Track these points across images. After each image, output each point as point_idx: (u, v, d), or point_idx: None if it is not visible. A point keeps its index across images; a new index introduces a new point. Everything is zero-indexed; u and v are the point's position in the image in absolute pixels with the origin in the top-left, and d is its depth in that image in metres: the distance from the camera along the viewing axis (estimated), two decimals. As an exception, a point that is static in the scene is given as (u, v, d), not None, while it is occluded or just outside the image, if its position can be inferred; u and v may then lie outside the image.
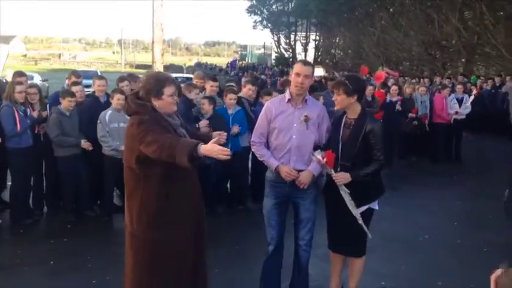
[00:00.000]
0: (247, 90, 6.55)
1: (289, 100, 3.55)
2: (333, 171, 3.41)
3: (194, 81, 6.94)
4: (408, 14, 26.38)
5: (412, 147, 10.07)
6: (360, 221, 3.41)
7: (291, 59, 40.68)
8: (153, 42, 13.68)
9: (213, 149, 2.79)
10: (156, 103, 3.04)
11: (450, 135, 9.80)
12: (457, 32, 22.31)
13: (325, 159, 3.35)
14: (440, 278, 4.37)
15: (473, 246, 5.25)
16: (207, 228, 3.24)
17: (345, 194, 3.41)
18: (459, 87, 10.41)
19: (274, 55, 43.00)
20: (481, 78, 16.37)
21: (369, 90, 9.02)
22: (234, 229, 5.73)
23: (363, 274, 3.81)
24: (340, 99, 3.51)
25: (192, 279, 3.12)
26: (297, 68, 3.51)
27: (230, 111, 6.10)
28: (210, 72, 27.24)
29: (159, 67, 15.01)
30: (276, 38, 42.27)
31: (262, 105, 6.41)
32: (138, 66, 55.25)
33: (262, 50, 55.81)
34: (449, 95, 9.77)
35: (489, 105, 13.65)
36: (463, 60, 22.59)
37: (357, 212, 3.41)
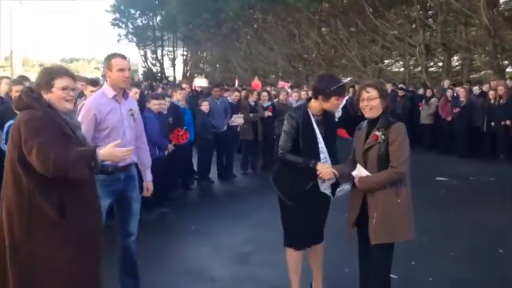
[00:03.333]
0: (134, 94, 6.23)
1: (114, 96, 3.46)
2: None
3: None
4: (271, 29, 27.81)
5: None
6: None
7: (159, 74, 40.09)
8: (11, 52, 12.42)
9: (113, 152, 2.62)
10: (47, 97, 2.70)
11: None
12: (317, 46, 24.12)
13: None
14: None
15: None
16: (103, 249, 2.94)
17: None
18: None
19: (141, 70, 41.95)
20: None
21: (253, 97, 9.41)
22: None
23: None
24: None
25: None
26: (120, 63, 3.44)
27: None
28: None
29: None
30: (142, 53, 41.33)
31: (149, 110, 6.23)
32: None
33: (127, 66, 53.97)
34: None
35: (350, 110, 15.01)
36: (325, 71, 24.45)
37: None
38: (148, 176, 3.86)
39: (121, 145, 2.87)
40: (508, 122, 10.06)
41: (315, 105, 3.46)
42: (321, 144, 3.44)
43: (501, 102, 10.25)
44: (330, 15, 22.93)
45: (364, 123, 3.37)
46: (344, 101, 11.35)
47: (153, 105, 6.18)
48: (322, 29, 24.96)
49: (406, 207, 3.14)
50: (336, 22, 22.50)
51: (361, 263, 3.42)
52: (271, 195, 7.24)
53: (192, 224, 5.98)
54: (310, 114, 3.45)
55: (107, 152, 2.61)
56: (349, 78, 3.91)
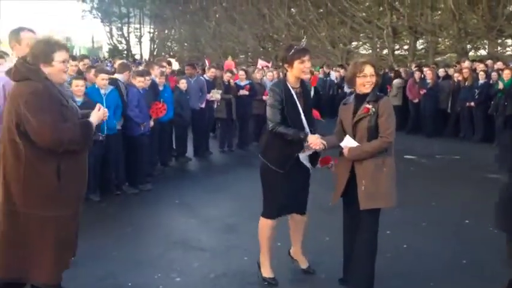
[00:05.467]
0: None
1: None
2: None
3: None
4: (241, 8, 27.67)
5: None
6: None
7: (125, 51, 39.28)
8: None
9: (98, 115, 3.00)
10: (46, 70, 2.75)
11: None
12: (287, 27, 24.25)
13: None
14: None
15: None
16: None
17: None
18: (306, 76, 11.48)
19: (107, 47, 40.93)
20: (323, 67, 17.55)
21: (227, 76, 9.46)
22: (124, 212, 5.60)
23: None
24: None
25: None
26: (31, 37, 3.34)
27: (103, 91, 5.80)
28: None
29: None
30: (108, 29, 40.24)
31: (133, 87, 6.28)
32: None
33: (90, 44, 52.54)
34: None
35: (321, 91, 15.32)
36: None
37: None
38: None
39: None
40: (472, 104, 10.57)
41: (289, 77, 3.58)
42: (302, 116, 3.60)
43: (466, 84, 10.74)
44: (300, -5, 23.06)
45: (351, 98, 3.58)
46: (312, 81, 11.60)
47: (138, 82, 6.22)
48: (292, 9, 25.08)
49: (391, 176, 3.43)
50: (306, 2, 22.65)
51: (347, 230, 3.67)
52: (249, 171, 7.61)
53: (175, 198, 6.13)
54: (290, 87, 3.57)
55: (94, 118, 2.96)
56: (303, 40, 3.98)
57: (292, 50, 3.48)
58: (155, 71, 7.27)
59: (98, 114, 2.97)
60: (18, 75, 2.75)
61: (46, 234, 2.77)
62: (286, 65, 3.55)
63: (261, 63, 13.79)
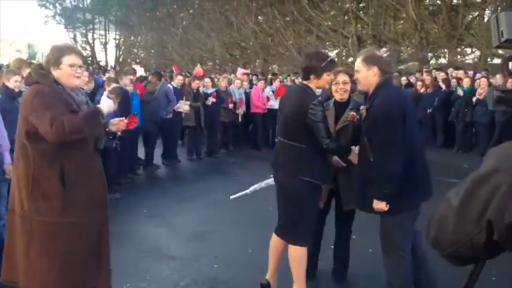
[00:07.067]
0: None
1: None
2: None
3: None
4: (208, 15, 27.73)
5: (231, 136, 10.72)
6: None
7: (90, 58, 38.57)
8: None
9: (121, 123, 3.13)
10: (55, 73, 2.86)
11: (267, 123, 10.82)
12: (254, 34, 24.44)
13: None
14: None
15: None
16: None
17: None
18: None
19: (71, 53, 40.06)
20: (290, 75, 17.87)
21: (195, 84, 9.46)
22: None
23: None
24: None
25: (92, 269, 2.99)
26: None
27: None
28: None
29: None
30: (72, 36, 39.39)
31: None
32: None
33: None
34: (265, 88, 10.82)
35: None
36: (262, 59, 24.84)
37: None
38: (7, 159, 3.91)
39: None
40: (429, 110, 10.92)
41: (312, 88, 3.34)
42: None
43: (427, 91, 11.11)
44: (267, 2, 23.31)
45: (331, 104, 3.68)
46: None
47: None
48: (259, 17, 25.31)
49: None
50: (272, 11, 22.91)
51: (318, 230, 3.80)
52: (218, 179, 7.61)
53: (144, 207, 6.10)
54: None
55: (105, 103, 2.97)
56: (335, 52, 4.01)
57: (325, 62, 3.23)
58: (125, 80, 7.23)
59: (116, 123, 3.12)
60: (29, 80, 2.90)
61: (52, 242, 2.77)
62: (312, 75, 3.26)
63: (240, 71, 13.76)
